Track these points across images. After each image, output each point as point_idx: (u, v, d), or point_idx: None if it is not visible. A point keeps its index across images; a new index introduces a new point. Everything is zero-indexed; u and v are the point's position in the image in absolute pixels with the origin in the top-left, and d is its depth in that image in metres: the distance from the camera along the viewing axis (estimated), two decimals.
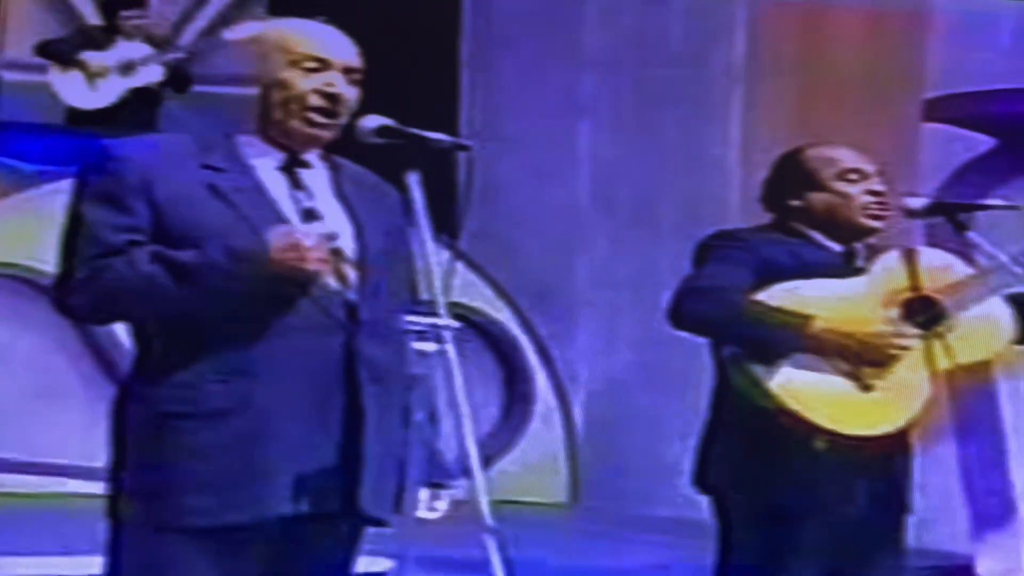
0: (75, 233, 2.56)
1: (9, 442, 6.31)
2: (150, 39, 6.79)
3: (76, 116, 6.95)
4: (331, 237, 2.53)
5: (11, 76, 7.42)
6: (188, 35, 7.29)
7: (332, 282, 2.56)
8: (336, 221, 2.62)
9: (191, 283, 2.49)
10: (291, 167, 2.62)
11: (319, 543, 2.60)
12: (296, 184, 2.61)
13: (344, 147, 2.69)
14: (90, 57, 6.82)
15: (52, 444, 6.43)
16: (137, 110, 6.67)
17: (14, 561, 4.55)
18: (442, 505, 2.56)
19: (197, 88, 6.51)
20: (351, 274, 2.57)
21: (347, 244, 2.60)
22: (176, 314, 2.52)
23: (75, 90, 6.86)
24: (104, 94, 6.75)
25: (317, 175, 2.66)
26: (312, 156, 2.65)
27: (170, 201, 2.55)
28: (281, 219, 2.57)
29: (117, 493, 2.58)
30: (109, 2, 7.09)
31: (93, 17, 7.41)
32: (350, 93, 2.64)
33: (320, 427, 2.54)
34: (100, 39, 6.95)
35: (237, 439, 2.51)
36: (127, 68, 6.62)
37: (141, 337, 2.61)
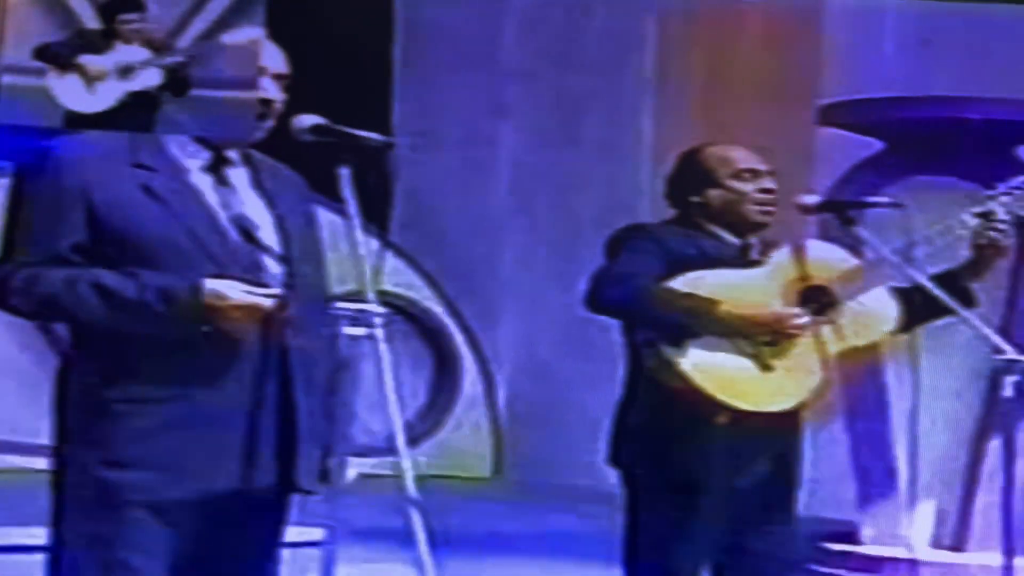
0: (15, 235, 2.51)
1: None
2: (148, 43, 6.57)
3: (74, 119, 6.71)
4: (270, 296, 2.51)
5: (9, 79, 7.21)
6: (186, 39, 7.11)
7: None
8: (258, 214, 2.61)
9: (126, 315, 2.48)
10: (217, 166, 2.61)
11: (253, 515, 2.60)
12: (222, 181, 2.60)
13: (279, 144, 2.69)
14: (88, 61, 6.58)
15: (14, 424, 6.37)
16: (135, 114, 6.57)
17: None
18: (353, 473, 2.57)
19: (195, 92, 6.61)
20: (283, 330, 2.55)
21: (268, 236, 2.60)
22: (110, 331, 2.51)
23: (73, 93, 6.61)
24: (102, 98, 6.54)
25: (239, 171, 2.65)
26: (233, 154, 2.65)
27: (107, 204, 2.51)
28: (214, 222, 2.55)
29: (63, 468, 2.57)
30: (107, 6, 6.81)
31: (91, 21, 7.15)
32: (279, 97, 2.66)
33: (255, 411, 2.54)
34: (98, 43, 6.70)
35: (180, 423, 2.51)
36: (125, 72, 6.43)
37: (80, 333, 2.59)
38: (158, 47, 6.76)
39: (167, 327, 2.48)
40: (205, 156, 2.60)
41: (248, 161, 2.66)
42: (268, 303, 2.51)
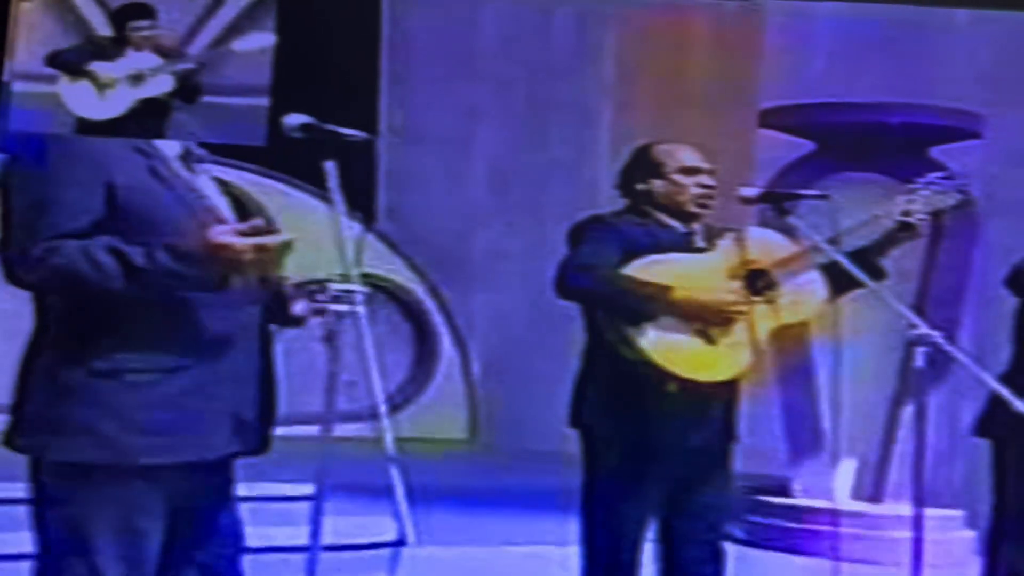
0: (32, 215, 2.41)
1: None
2: (159, 50, 6.31)
3: (85, 126, 6.55)
4: (262, 231, 2.46)
5: (21, 87, 7.02)
6: (197, 46, 7.03)
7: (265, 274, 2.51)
8: (217, 199, 2.58)
9: (141, 277, 2.41)
10: (187, 154, 2.57)
11: (223, 478, 2.58)
12: (190, 169, 2.57)
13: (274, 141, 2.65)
14: (99, 68, 6.40)
15: None
16: (146, 120, 6.37)
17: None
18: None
19: (206, 98, 6.33)
20: (275, 266, 2.51)
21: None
22: (118, 300, 2.43)
23: (84, 100, 6.39)
24: (113, 104, 6.31)
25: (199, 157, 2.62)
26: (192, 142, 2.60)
27: (125, 185, 2.45)
28: (205, 205, 2.52)
29: (16, 429, 2.45)
30: (119, 13, 6.62)
31: (103, 28, 6.94)
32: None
33: (243, 382, 2.51)
34: (110, 50, 6.46)
35: (180, 393, 2.47)
36: (136, 78, 6.18)
37: (66, 309, 2.53)
38: (169, 54, 6.51)
39: (182, 284, 2.40)
40: (177, 146, 2.54)
41: (183, 146, 2.60)
42: (271, 240, 2.45)
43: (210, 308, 2.47)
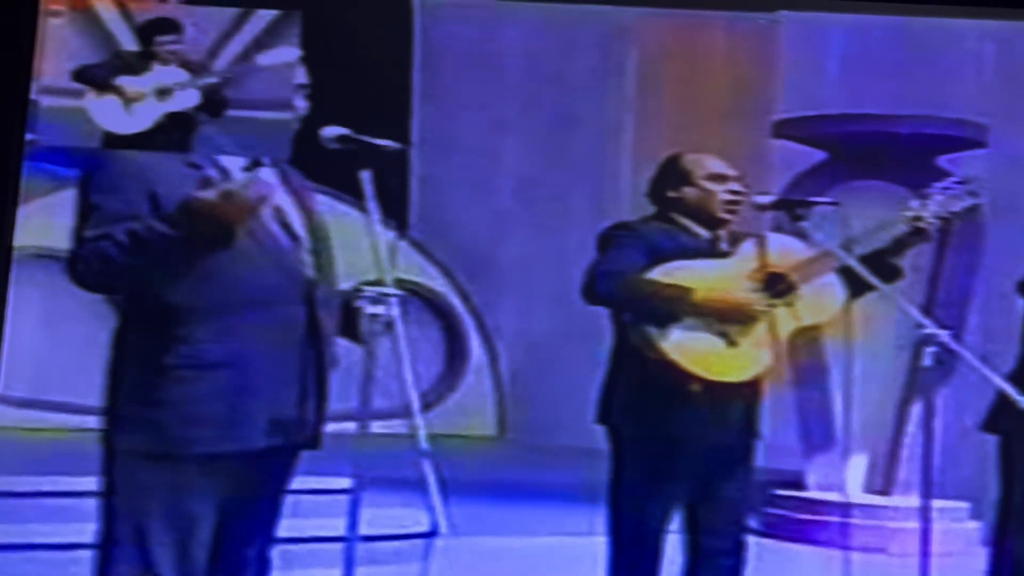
0: (84, 217, 2.50)
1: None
2: (185, 64, 6.29)
3: (112, 140, 6.54)
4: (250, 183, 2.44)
5: (48, 101, 7.00)
6: (223, 60, 6.97)
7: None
8: (293, 214, 2.60)
9: (146, 249, 2.45)
10: (253, 167, 2.59)
11: (278, 469, 2.59)
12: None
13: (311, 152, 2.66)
14: (126, 82, 6.38)
15: (86, 390, 6.33)
16: (172, 134, 6.30)
17: (16, 480, 4.42)
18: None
19: (231, 112, 6.30)
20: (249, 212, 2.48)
21: (300, 230, 2.59)
22: (166, 300, 2.46)
23: (111, 115, 6.36)
24: (140, 119, 6.25)
25: (270, 172, 2.63)
26: (266, 158, 2.62)
27: (168, 196, 2.50)
28: (258, 216, 2.53)
29: (113, 427, 2.53)
30: (145, 28, 6.61)
31: (129, 43, 6.92)
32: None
33: (290, 379, 2.52)
34: (136, 65, 6.43)
35: (227, 387, 2.49)
36: (163, 93, 6.10)
37: (139, 305, 2.56)
38: (195, 68, 6.37)
39: (179, 245, 2.44)
40: (243, 160, 2.58)
41: (280, 169, 2.64)
42: (260, 183, 2.45)
43: (252, 307, 2.48)
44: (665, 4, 5.48)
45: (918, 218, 3.20)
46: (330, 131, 2.64)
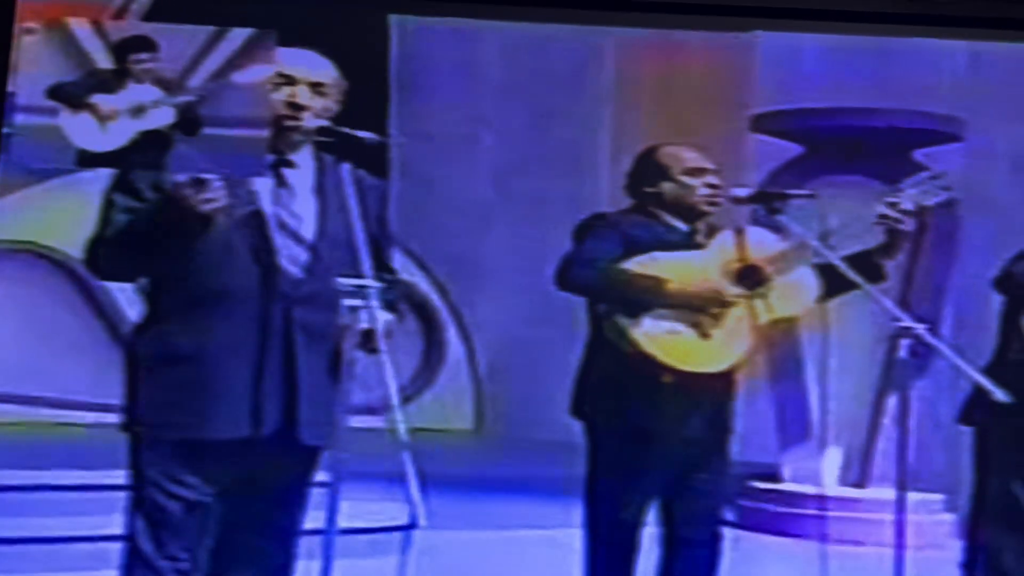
0: (103, 210, 2.59)
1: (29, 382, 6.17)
2: (160, 82, 6.27)
3: (87, 158, 6.45)
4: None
5: (23, 119, 6.92)
6: (198, 78, 6.92)
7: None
8: (305, 210, 2.61)
9: (143, 225, 2.48)
10: (277, 166, 2.60)
11: (280, 463, 2.59)
12: (280, 182, 2.59)
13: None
14: (101, 100, 6.30)
15: (63, 385, 6.31)
16: (147, 152, 6.19)
17: (41, 474, 4.45)
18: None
19: (207, 130, 6.25)
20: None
21: (309, 230, 2.59)
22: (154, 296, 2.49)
23: (86, 133, 6.30)
24: (114, 137, 6.17)
25: (303, 173, 2.63)
26: (300, 156, 2.63)
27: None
28: (257, 211, 2.55)
29: (130, 418, 2.57)
30: (120, 46, 6.57)
31: (104, 61, 6.87)
32: (315, 103, 2.62)
33: (260, 373, 2.53)
34: (111, 82, 6.38)
35: (198, 377, 2.50)
36: (137, 111, 6.05)
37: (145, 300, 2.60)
38: (170, 86, 6.32)
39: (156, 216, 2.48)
40: (269, 158, 2.59)
41: (319, 164, 2.64)
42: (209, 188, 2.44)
43: (225, 301, 2.49)
44: (640, 24, 5.49)
45: (894, 210, 3.21)
46: (309, 123, 2.64)
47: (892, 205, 3.21)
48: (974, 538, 3.79)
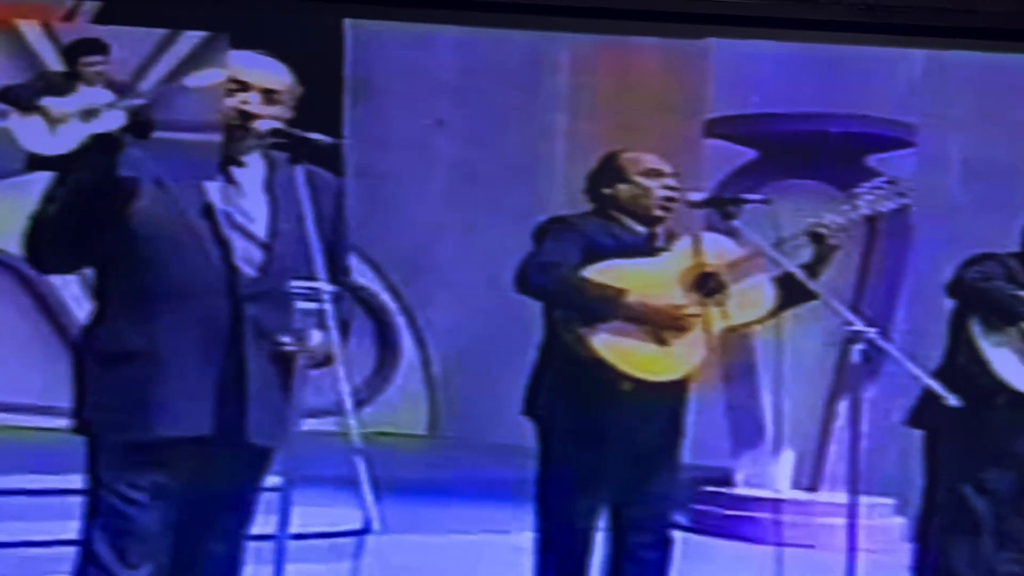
0: (42, 203, 2.53)
1: None
2: (111, 85, 6.16)
3: (36, 162, 6.35)
4: None
5: None
6: (149, 82, 6.83)
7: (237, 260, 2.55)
8: (256, 209, 2.60)
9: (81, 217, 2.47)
10: (226, 165, 2.59)
11: (231, 464, 2.58)
12: (229, 179, 2.58)
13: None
14: (51, 103, 6.20)
15: (13, 388, 6.25)
16: (98, 156, 6.10)
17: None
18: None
19: (158, 134, 6.20)
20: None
21: (261, 229, 2.59)
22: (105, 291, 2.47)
23: (35, 136, 6.20)
24: (65, 140, 6.06)
25: (252, 172, 2.62)
26: (249, 157, 2.62)
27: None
28: (208, 209, 2.54)
29: (81, 420, 2.55)
30: (70, 49, 6.46)
31: (54, 64, 6.78)
32: (267, 110, 2.62)
33: (208, 371, 2.52)
34: (61, 85, 6.30)
35: (144, 375, 2.49)
36: (88, 114, 5.94)
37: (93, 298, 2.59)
38: (121, 90, 6.24)
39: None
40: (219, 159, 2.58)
41: (269, 163, 2.62)
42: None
43: (173, 298, 2.48)
44: (594, 31, 5.51)
45: (823, 233, 3.23)
46: (263, 125, 2.63)
47: (825, 224, 3.23)
48: (924, 541, 3.83)
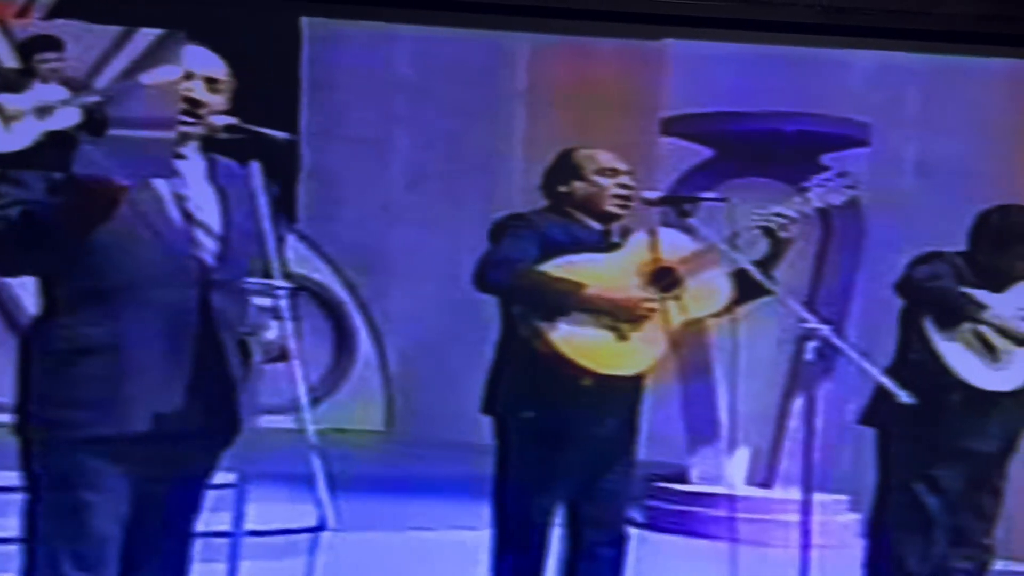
0: None
1: None
2: (66, 82, 6.04)
3: None
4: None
5: None
6: (104, 79, 6.76)
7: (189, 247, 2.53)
8: (204, 200, 2.58)
9: (39, 220, 2.44)
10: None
11: (185, 458, 2.56)
12: (173, 172, 2.56)
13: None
14: (5, 100, 6.07)
15: None
16: (52, 153, 5.99)
17: None
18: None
19: (113, 131, 6.18)
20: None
21: (214, 221, 2.57)
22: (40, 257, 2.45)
23: None
24: (19, 137, 5.96)
25: (193, 165, 2.60)
26: (189, 150, 2.60)
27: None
28: (159, 202, 2.52)
29: (24, 417, 2.51)
30: (25, 45, 6.34)
31: (8, 60, 6.69)
32: (210, 99, 2.60)
33: (176, 364, 2.50)
34: (15, 82, 6.16)
35: (108, 370, 2.46)
36: (43, 111, 5.82)
37: (41, 293, 2.55)
38: (76, 86, 6.13)
39: (60, 215, 2.42)
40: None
41: (208, 158, 2.61)
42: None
43: (135, 290, 2.46)
44: (552, 31, 5.52)
45: (774, 226, 3.24)
46: (218, 120, 2.61)
47: (780, 215, 3.24)
48: (876, 537, 3.86)
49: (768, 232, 3.21)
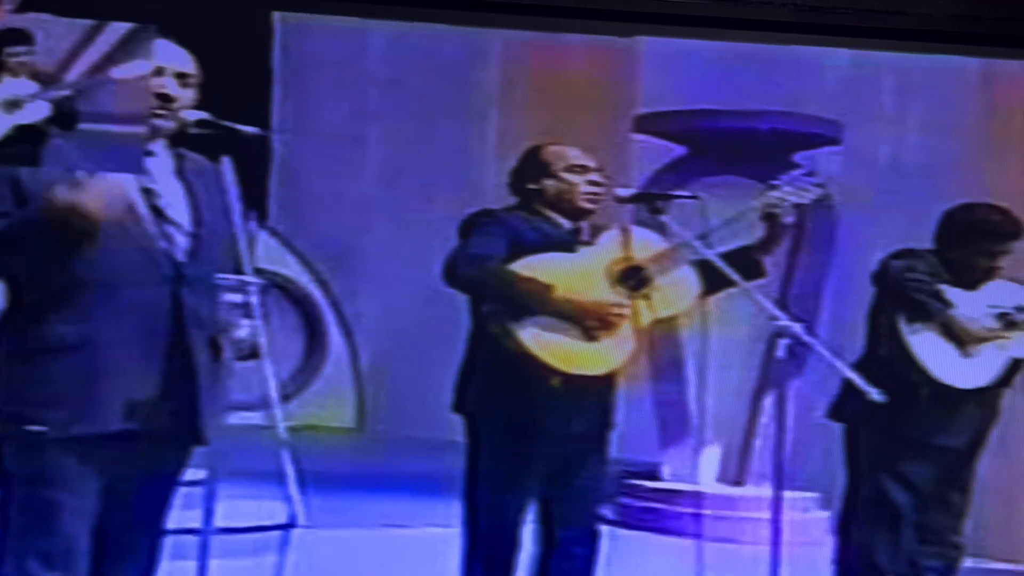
0: None
1: None
2: (36, 76, 5.98)
3: None
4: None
5: None
6: (75, 73, 6.74)
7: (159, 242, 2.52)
8: (173, 196, 2.58)
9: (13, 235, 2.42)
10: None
11: (154, 457, 2.56)
12: (142, 168, 2.55)
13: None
14: None
15: None
16: (22, 147, 5.90)
17: None
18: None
19: (83, 125, 6.14)
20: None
21: (183, 217, 2.56)
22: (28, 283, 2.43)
23: None
24: None
25: (162, 162, 2.60)
26: (157, 146, 2.59)
27: (33, 181, 2.48)
28: (127, 202, 2.51)
29: None
30: None
31: None
32: (181, 93, 2.59)
33: (149, 361, 2.49)
34: None
35: (80, 369, 2.45)
36: (12, 105, 5.77)
37: (10, 292, 2.53)
38: (46, 80, 6.06)
39: (38, 232, 2.41)
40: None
41: (176, 154, 2.60)
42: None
43: (107, 288, 2.45)
44: (525, 27, 5.51)
45: (772, 207, 3.25)
46: (190, 115, 2.60)
47: (772, 203, 3.26)
48: (846, 534, 3.88)
49: (769, 216, 3.22)
